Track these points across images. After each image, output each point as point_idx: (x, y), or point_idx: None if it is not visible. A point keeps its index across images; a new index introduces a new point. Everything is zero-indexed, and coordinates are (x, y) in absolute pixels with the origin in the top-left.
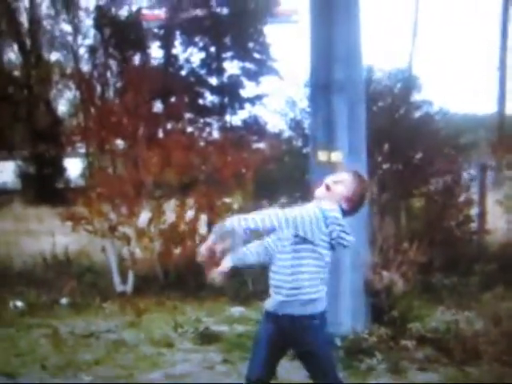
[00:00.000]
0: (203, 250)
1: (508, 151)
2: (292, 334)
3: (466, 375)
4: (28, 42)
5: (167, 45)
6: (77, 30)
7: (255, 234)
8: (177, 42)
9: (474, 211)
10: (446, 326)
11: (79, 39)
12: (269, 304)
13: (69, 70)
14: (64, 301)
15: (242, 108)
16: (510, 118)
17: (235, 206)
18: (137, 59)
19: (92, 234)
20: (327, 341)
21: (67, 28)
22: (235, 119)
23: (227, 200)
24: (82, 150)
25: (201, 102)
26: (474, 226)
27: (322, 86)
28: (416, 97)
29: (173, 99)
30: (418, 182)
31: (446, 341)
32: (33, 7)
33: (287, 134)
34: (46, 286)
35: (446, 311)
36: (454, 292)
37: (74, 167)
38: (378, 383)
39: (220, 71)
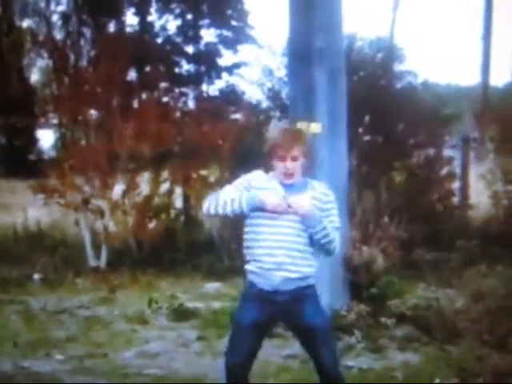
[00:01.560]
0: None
1: (492, 123)
2: (290, 309)
3: (446, 354)
4: None
5: (142, 12)
6: None
7: None
8: (152, 9)
9: (456, 185)
10: (427, 303)
11: (52, 5)
12: (265, 283)
13: (41, 38)
14: (36, 276)
15: (218, 77)
16: (494, 89)
17: (211, 179)
18: (111, 27)
19: (65, 207)
20: (323, 312)
21: None
22: (212, 89)
23: (203, 172)
24: (55, 121)
25: (177, 70)
26: (455, 200)
27: (302, 55)
28: (398, 67)
29: (148, 68)
30: (399, 154)
31: (427, 319)
32: None
33: (265, 104)
34: (18, 260)
35: (426, 288)
36: (435, 268)
37: (46, 138)
38: (357, 365)
39: (197, 39)
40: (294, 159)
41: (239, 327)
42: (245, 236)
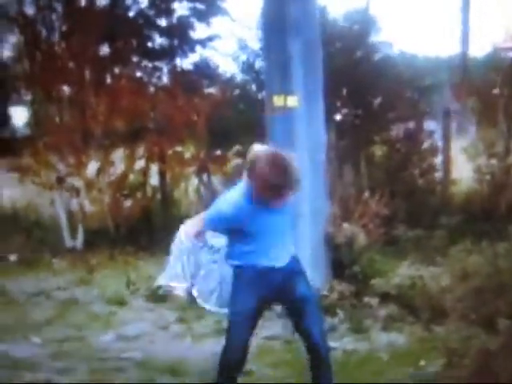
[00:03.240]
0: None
1: (473, 94)
2: (283, 286)
3: (432, 334)
4: None
5: None
6: None
7: None
8: None
9: (437, 159)
10: (411, 281)
11: None
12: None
13: (12, 13)
14: (12, 257)
15: (192, 51)
16: (474, 60)
17: (187, 155)
18: (83, 0)
19: (40, 185)
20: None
21: None
22: (186, 63)
23: (179, 149)
24: (28, 98)
25: (149, 44)
26: (438, 175)
27: (276, 26)
28: (375, 38)
29: (120, 42)
30: (379, 128)
31: (411, 298)
32: None
33: (240, 78)
34: None
35: (410, 266)
36: (419, 246)
37: (19, 115)
38: (340, 347)
39: (169, 12)
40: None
41: (236, 318)
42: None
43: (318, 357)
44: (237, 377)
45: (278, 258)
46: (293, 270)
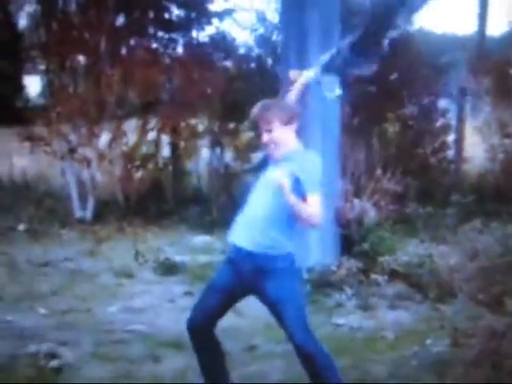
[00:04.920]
0: None
1: (489, 73)
2: (254, 285)
3: (439, 314)
4: None
5: None
6: None
7: None
8: None
9: (451, 138)
10: (420, 260)
11: None
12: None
13: None
14: (21, 227)
15: (209, 23)
16: (491, 39)
17: (200, 128)
18: None
19: (51, 155)
20: (291, 288)
21: None
22: (202, 35)
23: (192, 121)
24: (43, 67)
25: (166, 16)
26: (450, 153)
27: (295, 0)
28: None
29: (137, 13)
30: (393, 105)
31: (419, 276)
32: None
33: (257, 51)
34: (3, 211)
35: (419, 244)
36: (429, 224)
37: (33, 85)
38: (347, 323)
39: None
40: (268, 131)
41: (209, 285)
42: None
43: (305, 358)
44: (200, 343)
45: (241, 236)
46: (265, 270)
